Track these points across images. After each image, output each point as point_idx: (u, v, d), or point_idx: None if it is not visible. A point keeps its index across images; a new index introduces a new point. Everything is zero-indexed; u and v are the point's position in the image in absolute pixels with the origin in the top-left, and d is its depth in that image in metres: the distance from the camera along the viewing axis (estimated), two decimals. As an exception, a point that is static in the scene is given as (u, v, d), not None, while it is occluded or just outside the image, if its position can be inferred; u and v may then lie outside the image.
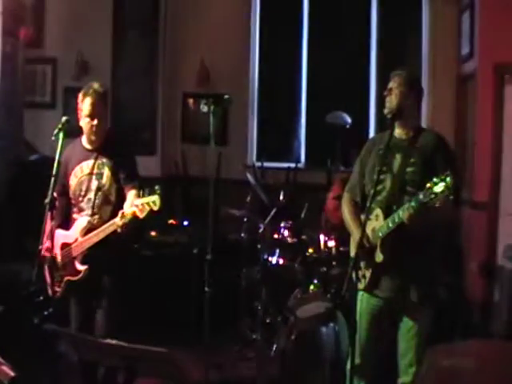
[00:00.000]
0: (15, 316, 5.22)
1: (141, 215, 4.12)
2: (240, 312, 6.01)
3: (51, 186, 4.21)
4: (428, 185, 3.49)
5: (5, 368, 3.13)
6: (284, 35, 8.25)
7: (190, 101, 8.29)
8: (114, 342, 3.11)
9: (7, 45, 7.05)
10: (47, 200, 4.22)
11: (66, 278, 4.46)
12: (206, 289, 4.48)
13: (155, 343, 3.05)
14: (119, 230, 4.21)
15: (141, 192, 4.18)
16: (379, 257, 3.86)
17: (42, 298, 4.41)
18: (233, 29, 8.10)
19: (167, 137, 8.26)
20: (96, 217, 4.41)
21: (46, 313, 4.37)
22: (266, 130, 8.32)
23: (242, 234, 6.22)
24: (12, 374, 3.09)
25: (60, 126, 4.30)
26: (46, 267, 4.53)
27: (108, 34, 8.16)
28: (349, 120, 7.57)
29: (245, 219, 6.18)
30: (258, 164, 7.83)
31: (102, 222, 4.36)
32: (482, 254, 6.61)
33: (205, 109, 7.93)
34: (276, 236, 6.00)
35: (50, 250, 4.50)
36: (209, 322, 4.39)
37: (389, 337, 4.05)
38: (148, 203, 4.09)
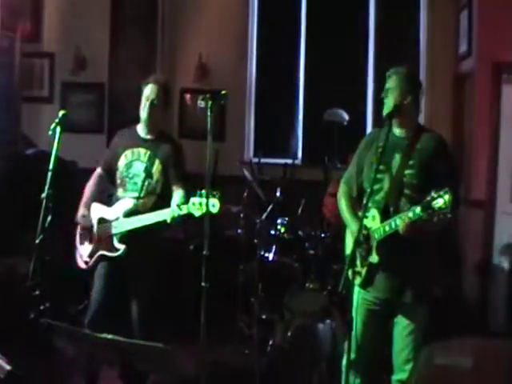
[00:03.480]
0: (11, 310, 5.21)
1: (196, 214, 4.27)
2: (236, 308, 6.01)
3: (48, 180, 4.22)
4: (427, 199, 3.44)
5: (1, 362, 3.12)
6: (282, 32, 8.24)
7: (188, 96, 8.28)
8: (110, 336, 3.12)
9: (5, 39, 7.05)
10: (44, 194, 4.23)
11: (101, 252, 4.59)
12: (203, 284, 4.48)
13: (152, 338, 3.05)
14: (169, 220, 4.34)
15: (199, 192, 4.28)
16: (374, 258, 3.86)
17: (38, 292, 4.40)
18: (231, 25, 8.09)
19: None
20: (141, 202, 4.56)
21: (42, 307, 4.37)
22: (263, 126, 8.32)
23: (239, 230, 6.22)
24: (8, 367, 3.09)
25: (57, 120, 4.32)
26: (78, 235, 4.71)
27: (106, 29, 8.15)
28: (346, 117, 7.57)
29: (241, 215, 6.18)
30: (255, 160, 7.81)
31: (145, 209, 4.52)
32: (478, 252, 6.62)
33: (202, 104, 7.94)
34: (273, 232, 6.00)
35: (87, 218, 4.65)
36: (205, 317, 4.38)
37: (384, 333, 4.06)
38: (207, 205, 4.17)
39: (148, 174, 4.59)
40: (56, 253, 4.84)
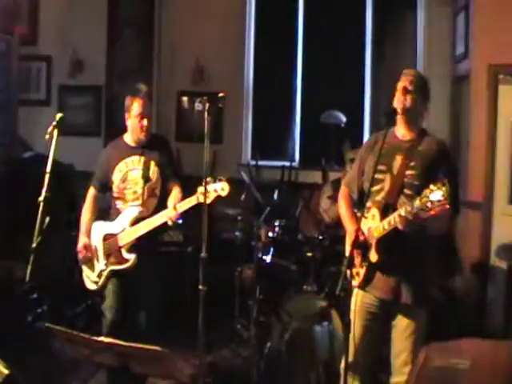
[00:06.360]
0: (9, 313, 5.20)
1: (207, 201, 4.27)
2: (234, 310, 6.00)
3: (45, 183, 4.22)
4: (425, 191, 3.45)
5: (-1, 365, 3.12)
6: (279, 35, 8.23)
7: (185, 99, 8.28)
8: (107, 339, 3.11)
9: (2, 42, 7.05)
10: (41, 197, 4.22)
11: (111, 268, 4.59)
12: (201, 287, 4.48)
13: (149, 341, 3.05)
14: (170, 221, 4.44)
15: (204, 179, 4.27)
16: (374, 257, 3.85)
17: (35, 295, 4.41)
18: (228, 27, 8.09)
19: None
20: (144, 207, 4.59)
21: (39, 310, 4.36)
22: (260, 128, 8.32)
23: (237, 233, 6.21)
24: (6, 371, 3.09)
25: (54, 123, 4.32)
26: (84, 264, 4.68)
27: (103, 32, 8.16)
28: (343, 119, 7.58)
29: (239, 218, 6.16)
30: (253, 162, 7.82)
31: (148, 213, 4.56)
32: (475, 253, 6.62)
33: (199, 107, 7.95)
34: (270, 235, 5.99)
35: (89, 246, 4.64)
36: (203, 320, 4.38)
37: (383, 335, 4.05)
38: (215, 190, 4.32)
39: (146, 178, 4.61)
40: (53, 256, 4.82)
